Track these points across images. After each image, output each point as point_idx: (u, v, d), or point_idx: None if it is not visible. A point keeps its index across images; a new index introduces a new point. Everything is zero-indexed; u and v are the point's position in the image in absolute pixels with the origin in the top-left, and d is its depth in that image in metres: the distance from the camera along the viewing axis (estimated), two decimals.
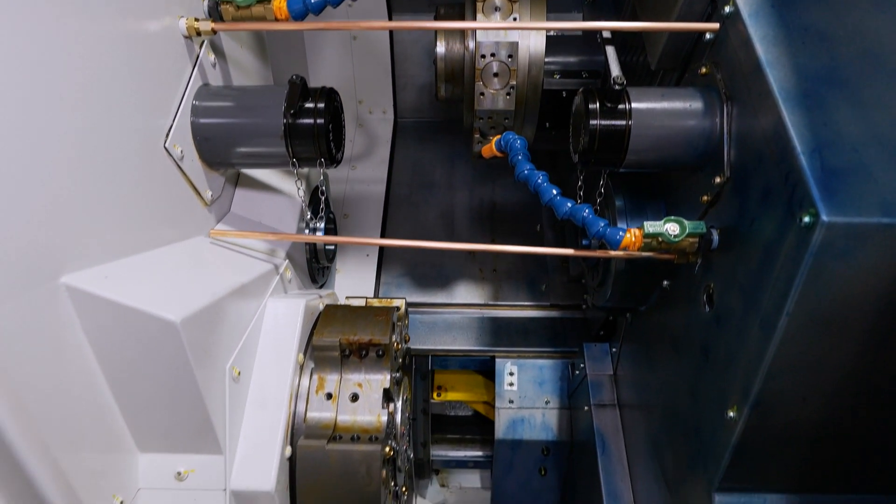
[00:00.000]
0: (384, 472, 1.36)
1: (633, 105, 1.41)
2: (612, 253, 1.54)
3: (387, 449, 1.38)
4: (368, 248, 2.98)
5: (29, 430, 0.91)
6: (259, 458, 1.27)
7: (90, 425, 1.11)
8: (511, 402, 2.70)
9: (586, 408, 2.33)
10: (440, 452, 3.19)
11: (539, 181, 1.52)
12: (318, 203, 2.06)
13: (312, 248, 1.97)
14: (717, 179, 1.37)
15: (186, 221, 1.44)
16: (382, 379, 1.44)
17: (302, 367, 1.45)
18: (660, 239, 1.40)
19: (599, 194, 1.62)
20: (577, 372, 2.52)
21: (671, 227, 1.38)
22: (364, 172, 3.25)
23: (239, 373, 1.28)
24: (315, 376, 1.45)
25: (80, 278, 1.04)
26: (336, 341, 1.44)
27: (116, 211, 1.17)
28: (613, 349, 2.37)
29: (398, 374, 1.57)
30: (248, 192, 1.74)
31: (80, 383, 1.08)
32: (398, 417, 1.55)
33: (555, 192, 1.50)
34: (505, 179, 3.23)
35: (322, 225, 1.98)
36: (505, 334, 2.79)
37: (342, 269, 2.92)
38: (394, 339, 1.53)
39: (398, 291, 2.90)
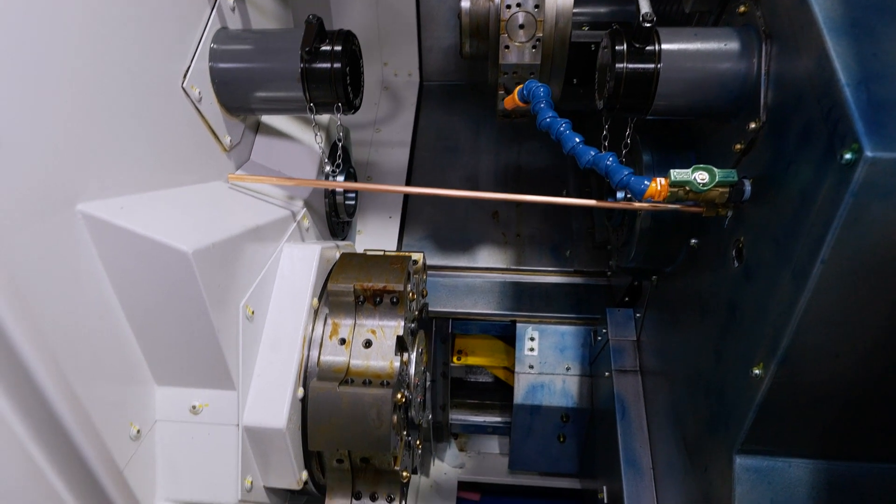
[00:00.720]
0: (395, 418, 1.35)
1: (664, 46, 1.34)
2: (637, 204, 1.48)
3: (398, 395, 1.37)
4: (391, 210, 2.96)
5: (46, 354, 0.92)
6: (271, 396, 1.28)
7: (108, 355, 1.12)
8: (531, 367, 2.68)
9: (607, 373, 2.28)
10: (459, 417, 3.20)
11: (561, 129, 1.46)
12: (343, 154, 2.04)
13: (332, 202, 1.95)
14: (752, 125, 1.29)
15: (205, 165, 1.44)
16: (396, 326, 1.43)
17: (317, 313, 1.44)
18: (687, 188, 1.33)
19: (625, 146, 1.55)
20: (599, 338, 2.47)
21: (700, 176, 1.31)
22: (389, 135, 3.22)
23: (253, 312, 1.28)
24: (329, 322, 1.44)
25: (96, 207, 1.04)
26: (350, 287, 1.42)
27: (134, 146, 1.16)
28: (637, 315, 2.31)
29: (413, 325, 1.56)
30: (268, 141, 1.73)
31: (97, 312, 1.08)
32: (412, 368, 1.54)
33: (577, 139, 1.44)
34: (531, 143, 3.16)
35: (342, 179, 1.96)
36: (527, 299, 2.75)
37: (364, 230, 2.92)
38: (409, 288, 1.51)
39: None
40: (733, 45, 1.32)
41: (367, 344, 1.41)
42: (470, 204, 3.02)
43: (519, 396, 2.68)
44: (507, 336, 2.82)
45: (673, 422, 1.85)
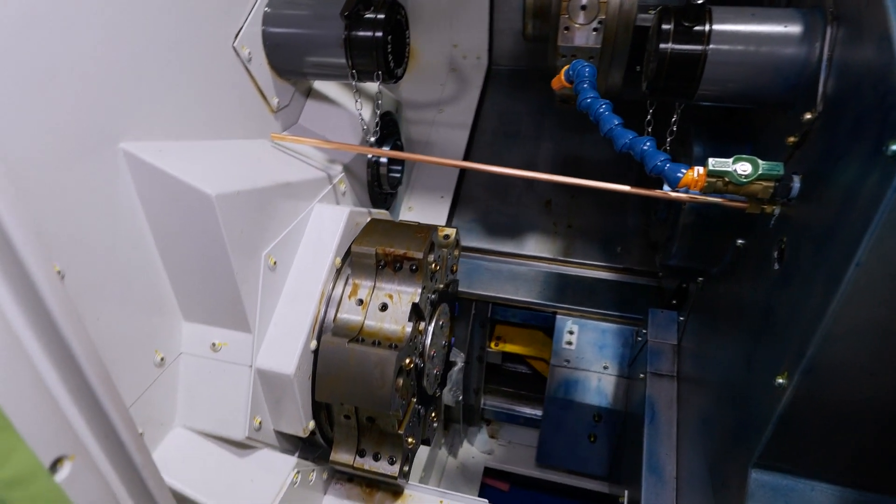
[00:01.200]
0: (399, 381, 1.37)
1: (715, 27, 1.26)
2: (673, 194, 1.41)
3: (407, 360, 1.39)
4: (444, 190, 2.98)
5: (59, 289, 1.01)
6: (284, 344, 1.34)
7: (139, 285, 1.21)
8: (567, 361, 2.62)
9: (642, 375, 2.20)
10: (493, 403, 3.19)
11: (601, 109, 1.41)
12: (391, 127, 2.08)
13: (375, 172, 1.99)
14: (807, 116, 1.19)
15: (250, 123, 1.51)
16: (413, 293, 1.44)
17: (339, 273, 1.49)
18: (726, 180, 1.25)
19: (670, 133, 1.48)
20: (640, 339, 2.38)
21: (741, 167, 1.23)
22: (450, 116, 3.23)
23: (275, 263, 1.34)
24: (351, 282, 1.48)
25: (137, 147, 1.13)
26: (373, 251, 1.46)
27: (180, 97, 1.24)
28: (681, 318, 2.20)
29: (433, 297, 1.57)
30: (317, 107, 1.79)
31: (132, 243, 1.17)
32: (428, 339, 1.55)
33: (616, 122, 1.39)
34: (594, 135, 3.06)
35: (386, 149, 2.00)
36: (570, 291, 2.69)
37: (414, 207, 2.96)
38: (431, 258, 1.52)
39: (468, 236, 2.88)
40: (795, 28, 1.22)
41: (384, 307, 1.44)
42: (524, 191, 2.99)
43: (551, 389, 2.64)
44: (547, 327, 2.77)
45: (701, 432, 1.76)
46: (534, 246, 2.82)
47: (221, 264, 1.21)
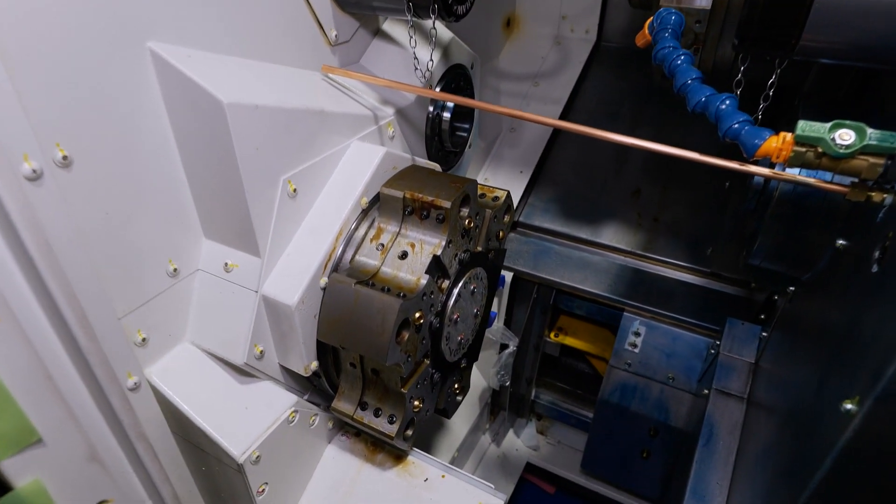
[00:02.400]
0: (405, 335, 1.27)
1: None
2: (753, 168, 1.17)
3: (416, 314, 1.29)
4: (524, 165, 2.82)
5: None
6: (293, 274, 1.29)
7: (160, 193, 1.22)
8: (628, 363, 2.38)
9: (706, 391, 1.92)
10: (546, 398, 3.00)
11: (678, 62, 1.20)
12: (462, 81, 1.97)
13: (436, 126, 1.89)
14: None
15: (302, 51, 1.47)
16: (436, 244, 1.34)
17: (365, 214, 1.41)
18: (819, 150, 1.00)
19: (764, 98, 1.22)
20: (713, 351, 2.09)
21: (841, 135, 0.98)
22: (545, 91, 3.05)
23: (295, 190, 1.30)
24: (376, 225, 1.40)
25: (165, 48, 1.12)
26: (401, 194, 1.36)
27: (222, 6, 1.22)
28: (764, 334, 1.89)
29: (464, 256, 1.45)
30: (382, 48, 1.72)
31: (155, 149, 1.18)
32: (451, 300, 1.44)
33: (693, 76, 1.17)
34: (699, 127, 2.73)
35: (451, 104, 1.89)
36: (643, 289, 2.43)
37: (490, 179, 2.83)
38: (463, 212, 1.40)
39: (542, 215, 2.71)
40: None
41: (403, 255, 1.35)
42: (612, 176, 2.74)
43: (606, 392, 2.41)
44: (614, 325, 2.53)
45: (760, 464, 1.49)
46: (611, 235, 2.58)
47: (233, 179, 1.18)
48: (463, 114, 2.02)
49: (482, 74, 3.05)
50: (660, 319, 2.37)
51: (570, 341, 2.77)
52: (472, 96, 2.07)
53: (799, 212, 1.33)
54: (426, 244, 1.35)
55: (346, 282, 1.27)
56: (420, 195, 1.35)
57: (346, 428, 1.67)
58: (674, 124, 2.79)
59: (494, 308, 2.64)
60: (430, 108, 1.88)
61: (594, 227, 2.62)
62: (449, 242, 1.37)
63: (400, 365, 1.30)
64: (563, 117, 2.94)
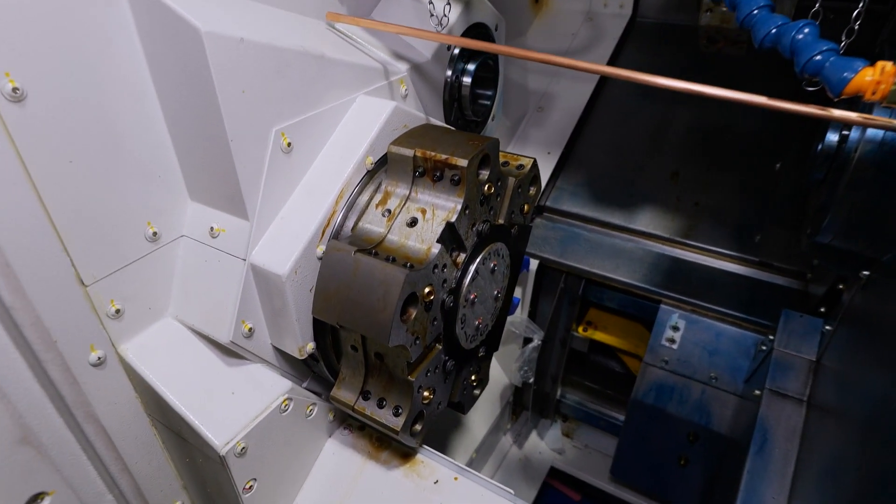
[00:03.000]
0: (412, 313, 1.09)
1: None
2: (838, 113, 0.95)
3: (425, 289, 1.11)
4: (553, 146, 2.62)
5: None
6: (285, 241, 1.13)
7: (135, 141, 1.06)
8: (665, 361, 2.16)
9: (757, 392, 1.69)
10: (572, 397, 2.79)
11: None
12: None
13: (455, 91, 1.72)
14: None
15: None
16: (450, 210, 1.16)
17: (371, 176, 1.24)
18: None
19: (847, 32, 1.01)
20: (765, 348, 1.86)
21: None
22: None
23: (290, 144, 1.13)
24: (382, 189, 1.23)
25: None
26: (410, 153, 1.19)
27: None
28: (828, 328, 1.65)
29: (483, 227, 1.26)
30: (398, 1, 1.55)
31: (128, 91, 1.02)
32: (468, 277, 1.25)
33: (762, 3, 0.97)
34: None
35: (472, 67, 1.71)
36: (683, 279, 2.20)
37: None
38: (483, 174, 1.22)
39: (570, 200, 2.50)
40: None
41: (412, 222, 1.17)
42: (648, 158, 2.52)
43: (640, 391, 2.19)
44: (648, 320, 2.32)
45: (833, 477, 1.27)
46: (647, 221, 2.36)
47: (215, 126, 1.02)
48: (486, 80, 1.84)
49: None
50: (701, 313, 2.15)
51: (599, 336, 2.55)
52: (495, 61, 1.89)
53: (884, 176, 1.11)
54: (439, 209, 1.17)
55: (345, 249, 1.10)
56: (433, 153, 1.17)
57: (348, 420, 1.50)
58: (717, 103, 2.55)
59: (517, 295, 2.45)
60: (449, 73, 1.70)
61: (628, 212, 2.41)
62: (465, 209, 1.18)
63: (406, 348, 1.12)
64: (595, 94, 2.73)
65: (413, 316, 1.11)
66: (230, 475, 1.15)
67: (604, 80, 2.78)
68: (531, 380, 2.45)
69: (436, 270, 1.15)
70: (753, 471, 1.51)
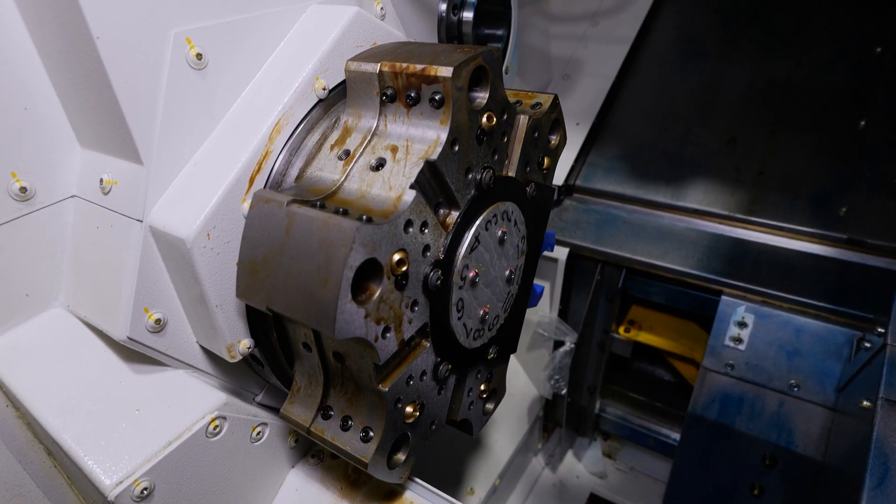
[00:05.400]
0: (374, 290, 0.74)
1: None
2: None
3: (395, 255, 0.75)
4: (582, 116, 2.25)
5: None
6: (196, 193, 0.79)
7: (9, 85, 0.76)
8: (730, 366, 1.74)
9: (866, 403, 1.27)
10: (614, 411, 2.37)
11: None
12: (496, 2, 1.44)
13: (453, 27, 1.37)
14: None
15: None
16: (432, 143, 0.80)
17: (325, 107, 0.90)
18: None
19: None
20: (868, 345, 1.43)
21: None
22: (607, 30, 2.47)
23: (201, 57, 0.80)
24: (340, 126, 0.89)
25: None
26: (375, 69, 0.85)
27: None
28: None
29: (484, 176, 0.90)
30: None
31: None
32: (464, 244, 0.89)
33: None
34: (815, 52, 2.07)
35: (469, 14, 1.36)
36: (749, 264, 1.79)
37: None
38: (479, 97, 0.86)
39: (606, 176, 2.12)
40: None
41: (379, 165, 0.83)
42: (698, 122, 2.12)
43: (698, 404, 1.77)
44: (705, 317, 1.90)
45: None
46: (700, 197, 1.95)
47: (73, 13, 0.69)
48: (493, 15, 1.49)
49: (528, 16, 2.52)
50: (775, 304, 1.72)
51: (645, 338, 2.14)
52: (507, 17, 1.53)
53: None
54: (415, 145, 0.82)
55: (274, 200, 0.75)
56: (404, 66, 0.82)
57: (317, 447, 1.15)
58: (778, 55, 2.14)
59: (543, 286, 2.07)
60: (442, 7, 1.36)
61: (676, 187, 2.01)
62: (453, 143, 0.83)
63: (370, 344, 0.77)
64: (630, 59, 2.35)
65: (376, 295, 0.75)
66: None
67: (640, 40, 2.40)
68: (564, 391, 2.06)
69: (410, 230, 0.79)
70: None
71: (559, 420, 2.28)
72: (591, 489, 2.31)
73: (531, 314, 2.07)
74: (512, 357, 2.28)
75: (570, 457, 2.41)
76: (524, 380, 2.21)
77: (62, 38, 0.74)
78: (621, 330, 2.17)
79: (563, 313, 2.11)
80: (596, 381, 2.26)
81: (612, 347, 2.22)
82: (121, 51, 0.73)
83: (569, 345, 2.01)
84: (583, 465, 2.39)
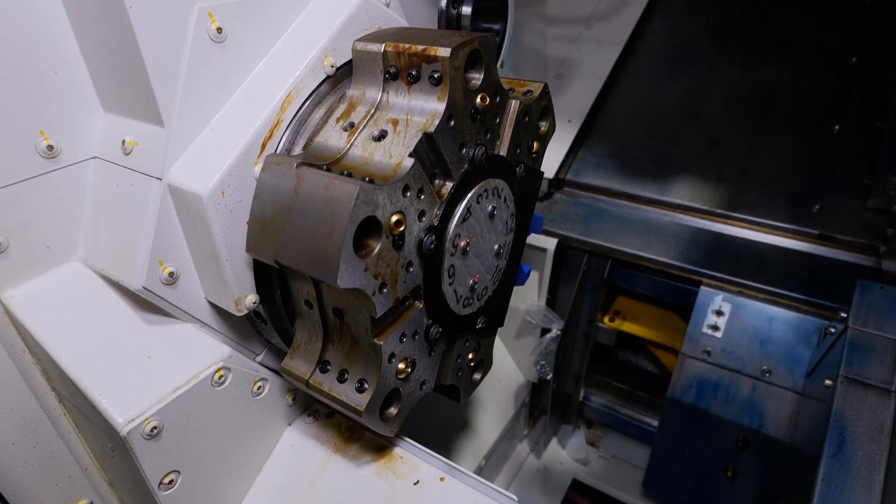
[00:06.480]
0: (373, 245, 0.81)
1: None
2: None
3: (393, 217, 0.82)
4: (573, 113, 2.33)
5: None
6: (212, 154, 0.87)
7: (27, 38, 0.83)
8: (707, 352, 1.82)
9: (828, 381, 1.36)
10: (598, 399, 2.45)
11: None
12: None
13: (452, 21, 1.44)
14: None
15: None
16: (430, 116, 0.88)
17: (334, 87, 0.98)
18: None
19: None
20: (833, 332, 1.52)
21: None
22: (600, 33, 2.56)
23: (221, 30, 0.88)
24: (346, 101, 0.97)
25: None
26: (380, 49, 0.93)
27: None
28: None
29: (476, 152, 0.98)
30: None
31: None
32: (457, 214, 0.97)
33: None
34: (799, 60, 2.17)
35: (468, 8, 1.44)
36: (727, 256, 1.88)
37: None
38: (474, 78, 0.94)
39: (595, 172, 2.20)
40: None
41: (381, 136, 0.90)
42: (684, 124, 2.22)
43: (677, 389, 1.86)
44: (685, 307, 1.99)
45: None
46: (684, 193, 2.05)
47: None
48: (490, 10, 1.57)
49: (525, 17, 2.61)
50: (750, 294, 1.81)
51: (629, 327, 2.22)
52: (504, 13, 1.61)
53: None
54: (415, 117, 0.90)
55: (285, 162, 0.83)
56: (407, 46, 0.90)
57: (314, 406, 1.22)
58: (761, 62, 2.24)
59: (534, 281, 2.15)
60: (443, 1, 1.44)
61: (661, 183, 2.10)
62: (449, 118, 0.91)
63: (367, 296, 0.84)
64: (622, 61, 2.44)
65: (375, 251, 0.83)
66: (138, 464, 0.87)
67: (632, 42, 2.49)
68: (549, 376, 2.13)
69: (408, 193, 0.86)
70: (831, 478, 1.17)
71: (545, 407, 2.36)
72: (573, 475, 2.39)
73: (520, 302, 2.15)
74: (500, 344, 2.36)
75: (554, 443, 2.49)
76: (511, 366, 2.29)
77: (96, 6, 0.81)
78: (606, 320, 2.25)
79: (551, 302, 2.19)
80: (581, 369, 2.34)
81: (598, 336, 2.31)
82: (150, 21, 0.80)
83: (555, 331, 2.09)
84: (566, 452, 2.46)
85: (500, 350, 2.30)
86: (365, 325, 0.91)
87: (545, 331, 2.14)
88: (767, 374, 1.72)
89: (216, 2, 0.87)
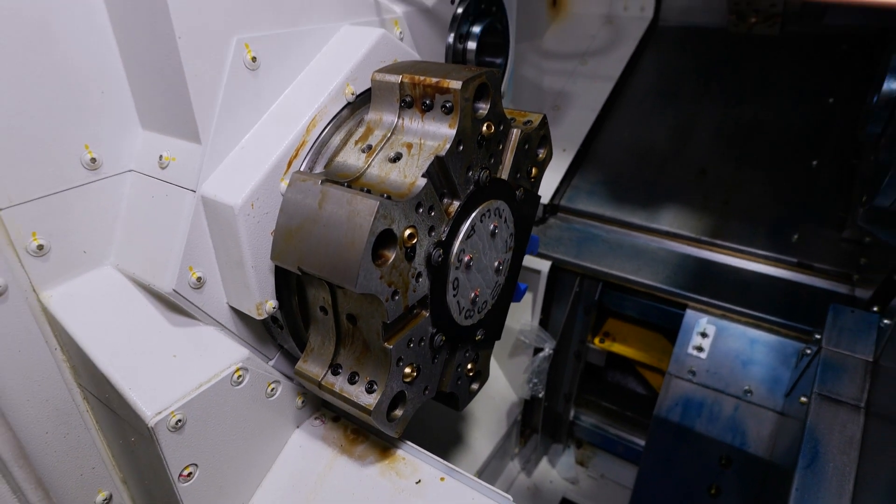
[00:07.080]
0: (389, 255, 0.90)
1: None
2: None
3: (406, 231, 0.91)
4: (568, 143, 2.46)
5: None
6: (244, 170, 0.95)
7: (80, 60, 0.92)
8: (692, 373, 1.91)
9: (803, 399, 1.44)
10: (588, 420, 2.52)
11: None
12: (490, 2, 1.65)
13: (458, 55, 1.56)
14: None
15: None
16: (441, 142, 0.98)
17: (352, 112, 1.07)
18: None
19: None
20: (809, 353, 1.61)
21: None
22: (594, 68, 2.70)
23: (255, 59, 0.97)
24: (364, 125, 1.06)
25: None
26: (397, 80, 1.02)
27: None
28: (885, 322, 1.41)
29: (481, 175, 1.07)
30: None
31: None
32: (462, 230, 1.06)
33: None
34: (779, 99, 2.31)
35: (478, 30, 1.56)
36: (712, 281, 1.98)
37: None
38: (481, 108, 1.04)
39: (588, 199, 2.31)
40: None
41: (396, 158, 1.00)
42: (672, 156, 2.34)
43: (663, 408, 1.93)
44: (672, 330, 2.08)
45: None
46: (671, 220, 2.16)
47: (160, 15, 0.86)
48: (493, 46, 1.69)
49: (524, 52, 2.75)
50: (733, 318, 1.91)
51: (618, 349, 2.31)
52: (504, 27, 1.73)
53: None
54: (428, 141, 0.99)
55: (310, 178, 0.92)
56: (422, 78, 1.00)
57: (322, 410, 1.28)
58: (745, 100, 2.38)
59: (528, 302, 2.23)
60: (451, 37, 1.56)
61: (650, 211, 2.21)
62: (458, 144, 1.00)
63: (381, 301, 0.92)
64: (614, 96, 2.58)
65: (390, 261, 0.91)
66: (162, 455, 0.94)
67: (624, 78, 2.63)
68: (541, 394, 2.20)
69: (420, 210, 0.95)
70: (804, 488, 1.25)
71: (536, 426, 2.42)
72: (563, 494, 2.44)
73: (514, 322, 2.23)
74: (494, 362, 2.43)
75: (544, 463, 2.54)
76: (504, 384, 2.35)
77: (147, 34, 0.90)
78: (596, 340, 2.34)
79: (544, 322, 2.27)
80: (572, 389, 2.41)
81: (588, 357, 2.39)
82: (195, 49, 0.89)
83: (547, 350, 2.17)
84: (556, 471, 2.51)
85: (494, 368, 2.36)
86: (377, 330, 0.98)
87: (538, 350, 2.21)
88: (749, 394, 1.81)
89: (252, 34, 0.97)
